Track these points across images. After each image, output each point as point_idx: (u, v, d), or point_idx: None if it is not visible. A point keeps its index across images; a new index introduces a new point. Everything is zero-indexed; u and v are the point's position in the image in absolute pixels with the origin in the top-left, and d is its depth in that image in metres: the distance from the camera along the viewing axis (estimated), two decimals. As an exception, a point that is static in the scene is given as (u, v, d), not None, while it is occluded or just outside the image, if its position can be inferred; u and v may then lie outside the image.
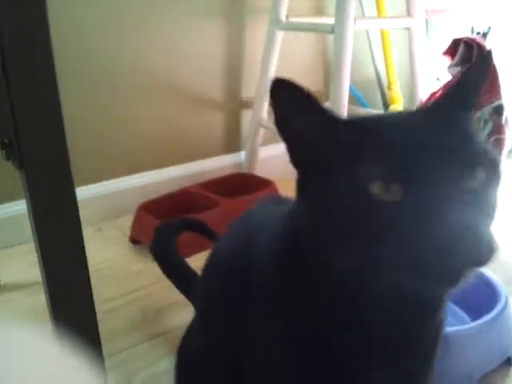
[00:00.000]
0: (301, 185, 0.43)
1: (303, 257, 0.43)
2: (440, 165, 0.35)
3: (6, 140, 0.44)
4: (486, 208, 0.36)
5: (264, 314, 0.47)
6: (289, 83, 0.40)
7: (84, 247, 0.49)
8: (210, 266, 0.61)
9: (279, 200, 0.61)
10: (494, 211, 0.38)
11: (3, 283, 1.11)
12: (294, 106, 0.40)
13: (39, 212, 0.46)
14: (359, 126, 0.40)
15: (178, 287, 0.86)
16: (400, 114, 0.48)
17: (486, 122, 1.14)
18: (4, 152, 0.45)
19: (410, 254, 0.35)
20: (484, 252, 0.33)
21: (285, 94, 0.40)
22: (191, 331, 0.68)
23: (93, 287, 1.11)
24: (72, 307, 0.50)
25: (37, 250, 0.48)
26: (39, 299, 1.02)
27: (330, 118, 0.41)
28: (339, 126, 0.41)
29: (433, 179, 0.35)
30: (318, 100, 0.40)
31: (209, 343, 0.60)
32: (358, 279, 0.40)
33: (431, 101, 1.19)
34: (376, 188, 0.36)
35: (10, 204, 1.28)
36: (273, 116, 0.41)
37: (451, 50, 1.14)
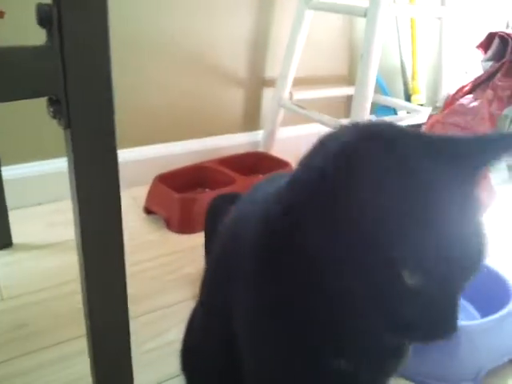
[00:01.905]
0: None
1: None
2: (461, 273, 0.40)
3: (54, 97, 0.43)
4: None
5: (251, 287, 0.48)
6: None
7: (120, 209, 0.48)
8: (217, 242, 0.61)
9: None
10: None
11: (16, 243, 1.11)
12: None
13: (81, 173, 0.46)
14: None
15: None
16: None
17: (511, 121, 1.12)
18: (51, 109, 0.44)
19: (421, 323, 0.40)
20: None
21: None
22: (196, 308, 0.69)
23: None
24: (104, 268, 0.50)
25: (74, 210, 0.48)
26: (51, 261, 1.03)
27: None
28: None
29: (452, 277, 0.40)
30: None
31: (205, 323, 0.61)
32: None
33: (457, 98, 1.18)
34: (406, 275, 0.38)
35: (32, 164, 1.28)
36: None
37: (485, 44, 1.12)
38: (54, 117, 0.44)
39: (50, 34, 0.42)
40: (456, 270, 0.39)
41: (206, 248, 0.91)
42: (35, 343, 0.84)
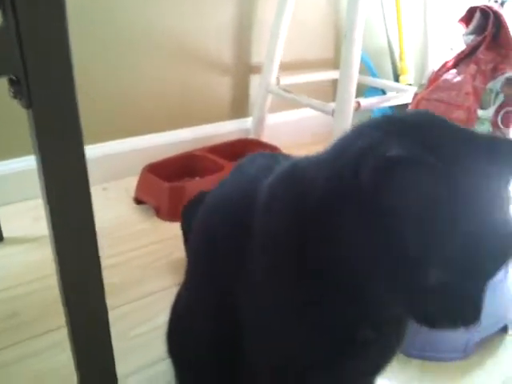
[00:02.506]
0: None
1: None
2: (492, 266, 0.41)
3: (14, 77, 0.43)
4: None
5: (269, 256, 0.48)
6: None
7: (88, 185, 0.49)
8: (199, 221, 0.61)
9: (269, 155, 0.61)
10: None
11: (6, 237, 1.12)
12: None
13: (46, 152, 0.46)
14: None
15: None
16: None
17: (497, 94, 1.12)
18: (12, 90, 0.44)
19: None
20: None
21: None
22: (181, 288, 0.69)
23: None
24: (78, 261, 0.51)
25: (42, 189, 0.48)
26: (40, 254, 1.05)
27: None
28: None
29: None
30: None
31: (192, 307, 0.61)
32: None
33: (441, 74, 1.17)
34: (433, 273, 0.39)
35: (16, 160, 1.28)
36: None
37: (466, 18, 1.12)
38: (15, 97, 0.45)
39: (4, 14, 0.42)
40: (483, 266, 0.40)
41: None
42: (26, 332, 0.85)
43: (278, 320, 0.49)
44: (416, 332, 0.83)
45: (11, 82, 0.44)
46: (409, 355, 0.84)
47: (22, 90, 0.44)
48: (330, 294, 0.45)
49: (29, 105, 0.44)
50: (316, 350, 0.48)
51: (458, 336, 0.85)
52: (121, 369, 0.65)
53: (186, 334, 0.64)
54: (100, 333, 0.57)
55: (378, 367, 0.53)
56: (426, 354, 0.84)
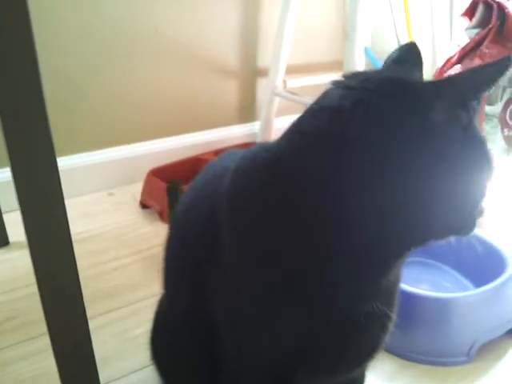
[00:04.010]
0: None
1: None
2: None
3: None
4: None
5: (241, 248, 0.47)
6: None
7: (59, 183, 0.49)
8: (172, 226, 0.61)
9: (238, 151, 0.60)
10: None
11: (12, 242, 1.14)
12: None
13: (13, 144, 0.46)
14: None
15: None
16: None
17: (504, 89, 1.09)
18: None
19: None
20: None
21: None
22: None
23: (99, 247, 1.13)
24: (56, 268, 0.51)
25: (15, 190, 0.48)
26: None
27: None
28: None
29: None
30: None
31: (168, 309, 0.62)
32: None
33: (446, 70, 1.15)
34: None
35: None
36: None
37: (470, 11, 1.09)
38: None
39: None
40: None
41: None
42: (24, 333, 0.86)
43: (267, 313, 0.47)
44: (413, 335, 0.81)
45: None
46: (412, 359, 0.82)
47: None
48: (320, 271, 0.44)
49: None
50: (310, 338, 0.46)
51: (462, 340, 0.82)
52: (122, 366, 0.66)
53: (166, 343, 0.64)
54: (80, 338, 0.57)
55: (372, 349, 0.51)
56: (429, 359, 0.81)
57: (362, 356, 0.51)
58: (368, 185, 0.41)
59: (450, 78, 0.43)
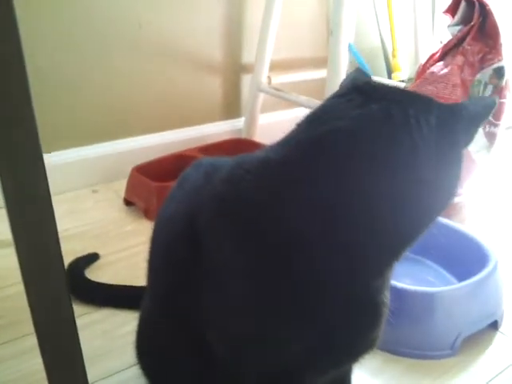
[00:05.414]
0: None
1: None
2: None
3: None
4: None
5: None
6: None
7: (47, 182, 0.48)
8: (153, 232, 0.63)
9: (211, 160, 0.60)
10: None
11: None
12: None
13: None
14: None
15: None
16: None
17: (485, 85, 1.10)
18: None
19: None
20: None
21: None
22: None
23: (84, 245, 1.12)
24: (43, 266, 0.50)
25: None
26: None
27: None
28: None
29: None
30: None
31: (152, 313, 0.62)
32: None
33: (429, 67, 1.16)
34: None
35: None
36: None
37: (452, 8, 1.10)
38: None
39: None
40: None
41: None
42: (11, 333, 0.85)
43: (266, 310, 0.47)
44: (397, 328, 0.82)
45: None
46: (397, 353, 0.82)
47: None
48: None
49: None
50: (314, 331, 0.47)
51: (446, 333, 0.83)
52: (111, 364, 0.65)
53: (151, 346, 0.64)
54: (67, 336, 0.56)
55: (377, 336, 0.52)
56: (414, 352, 0.82)
57: (370, 344, 0.52)
58: (363, 193, 0.44)
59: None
